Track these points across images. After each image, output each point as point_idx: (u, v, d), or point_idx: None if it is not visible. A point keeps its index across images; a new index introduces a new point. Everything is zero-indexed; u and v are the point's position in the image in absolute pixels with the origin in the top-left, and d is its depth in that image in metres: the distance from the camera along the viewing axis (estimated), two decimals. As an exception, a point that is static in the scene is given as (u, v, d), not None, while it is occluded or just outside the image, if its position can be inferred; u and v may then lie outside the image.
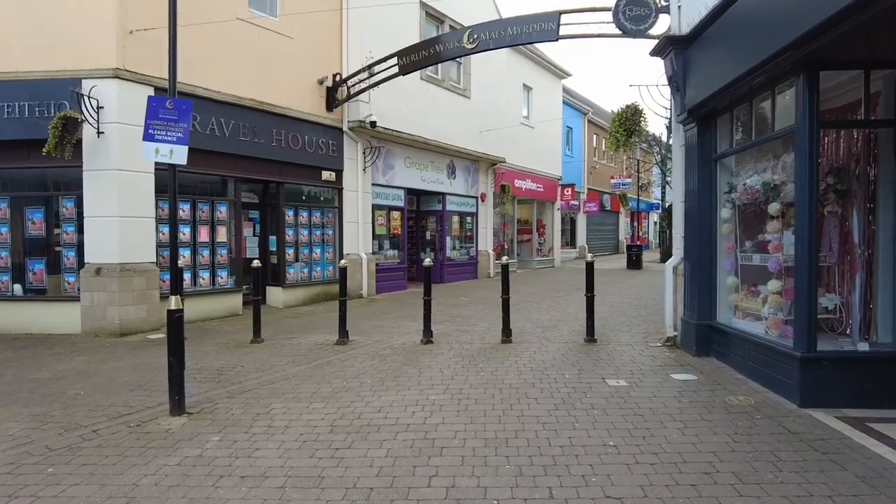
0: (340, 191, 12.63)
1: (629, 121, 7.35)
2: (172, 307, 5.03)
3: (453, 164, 16.25)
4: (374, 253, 13.51)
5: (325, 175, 12.22)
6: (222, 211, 10.45)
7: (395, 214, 14.32)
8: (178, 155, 5.02)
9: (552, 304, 11.65)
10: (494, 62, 17.61)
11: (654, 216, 46.01)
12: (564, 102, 26.18)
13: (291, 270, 11.72)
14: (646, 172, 37.95)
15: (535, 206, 21.74)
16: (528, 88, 20.66)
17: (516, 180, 19.38)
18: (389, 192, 14.02)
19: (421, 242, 16.56)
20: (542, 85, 21.55)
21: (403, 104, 13.80)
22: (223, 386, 5.94)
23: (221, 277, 10.39)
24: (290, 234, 11.69)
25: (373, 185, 13.39)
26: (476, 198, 17.37)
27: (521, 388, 5.54)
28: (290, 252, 11.71)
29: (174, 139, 4.99)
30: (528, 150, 20.32)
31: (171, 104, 4.96)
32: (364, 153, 12.98)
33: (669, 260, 7.32)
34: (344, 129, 12.54)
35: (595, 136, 32.61)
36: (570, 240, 30.12)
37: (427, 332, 7.80)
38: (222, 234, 10.46)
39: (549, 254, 22.84)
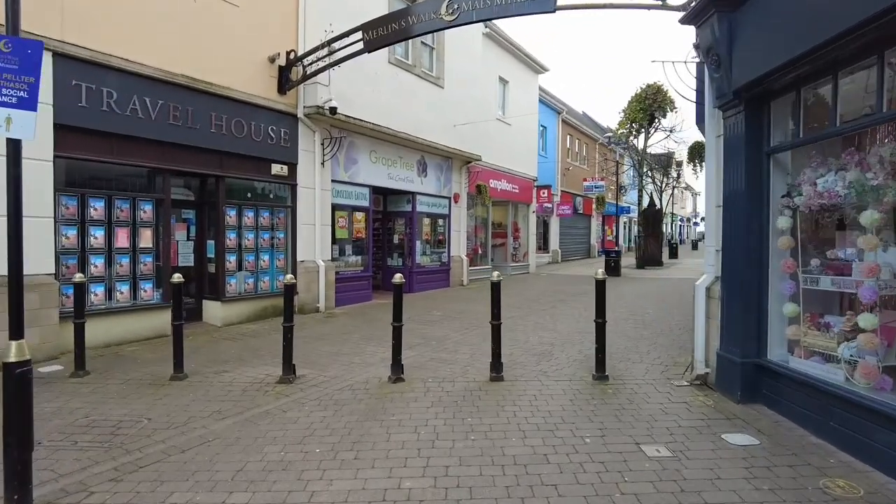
0: (294, 187, 10.86)
1: (652, 102, 5.88)
2: (12, 359, 3.29)
3: (424, 161, 14.64)
4: (333, 259, 11.79)
5: (276, 169, 10.44)
6: (146, 210, 8.58)
7: (359, 215, 12.62)
8: (21, 125, 3.27)
9: (538, 321, 10.17)
10: (470, 50, 16.10)
11: (624, 219, 45.38)
12: (539, 100, 24.88)
13: (233, 281, 9.90)
14: (609, 174, 37.08)
15: (511, 208, 20.33)
16: (504, 82, 19.23)
17: (491, 180, 17.91)
18: (352, 189, 12.32)
19: (388, 247, 14.89)
20: (518, 79, 20.16)
21: (369, 90, 12.12)
22: (112, 457, 4.19)
23: (145, 291, 8.52)
24: (231, 238, 9.88)
25: (333, 181, 11.66)
26: (449, 198, 15.80)
27: (532, 466, 3.98)
28: (231, 259, 9.89)
29: (14, 100, 3.24)
30: (503, 149, 18.89)
31: (7, 45, 3.21)
32: (322, 144, 11.24)
33: (701, 279, 5.88)
34: (299, 116, 10.79)
35: (569, 137, 31.49)
36: (542, 244, 28.86)
37: (396, 366, 6.17)
38: (146, 239, 8.59)
39: (525, 259, 21.47)
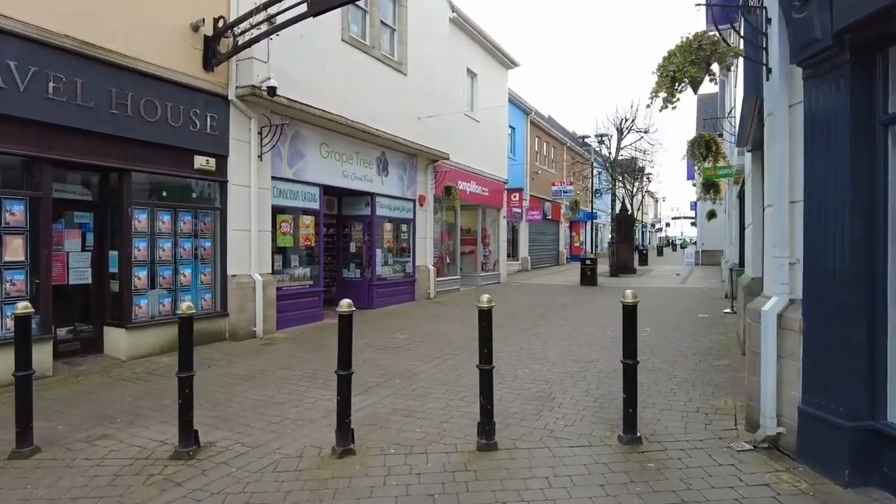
0: (224, 185, 8.88)
1: (709, 53, 4.24)
2: None
3: (385, 158, 12.81)
4: (274, 273, 9.82)
5: (200, 161, 8.45)
6: (15, 212, 6.50)
7: (307, 219, 10.68)
8: None
9: (523, 345, 8.46)
10: (435, 35, 14.39)
11: (589, 226, 44.44)
12: (509, 101, 23.38)
13: (143, 302, 7.84)
14: (582, 178, 36.03)
15: (480, 213, 18.66)
16: (472, 75, 17.59)
17: (460, 182, 16.21)
18: (299, 189, 10.39)
19: (344, 257, 12.97)
20: (487, 73, 18.57)
21: (318, 72, 10.25)
22: None
23: (10, 318, 6.42)
24: (141, 248, 7.83)
25: (274, 178, 9.72)
26: (413, 201, 14.00)
27: None
28: (141, 274, 7.84)
29: None
30: (472, 148, 17.23)
31: None
32: (261, 134, 9.30)
33: (769, 304, 4.23)
34: (230, 98, 8.83)
35: (537, 139, 30.15)
36: (512, 251, 27.33)
37: (343, 433, 4.32)
38: (15, 249, 6.50)
39: (495, 268, 19.82)
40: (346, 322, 4.25)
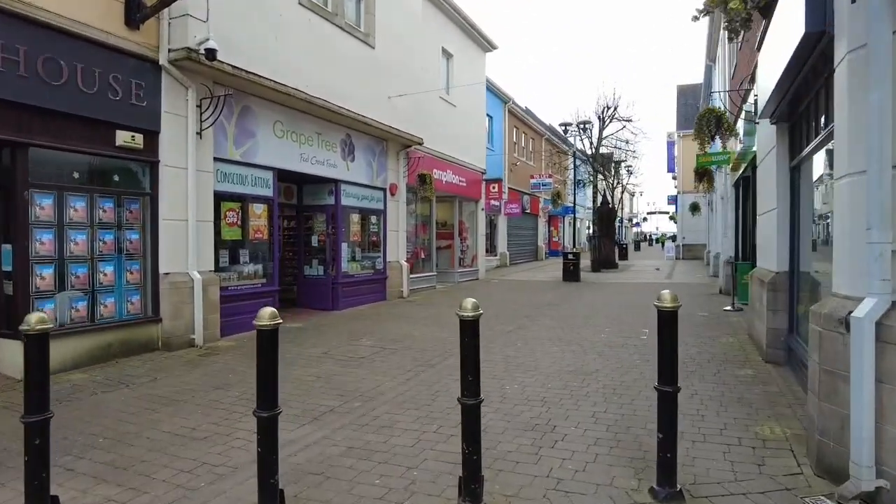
0: (154, 166, 7.46)
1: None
2: None
3: (351, 141, 11.47)
4: (218, 270, 8.45)
5: (124, 137, 7.02)
6: None
7: (259, 208, 9.30)
8: None
9: (508, 352, 7.25)
10: (406, 5, 13.07)
11: (569, 220, 43.62)
12: (486, 88, 22.19)
13: (48, 307, 6.41)
14: (563, 169, 35.08)
15: (457, 205, 17.41)
16: (447, 55, 16.32)
17: (435, 170, 14.94)
18: (248, 173, 9.01)
19: (305, 252, 11.60)
20: (464, 54, 17.31)
21: (272, 38, 8.88)
22: None
23: None
24: (45, 241, 6.39)
25: (217, 160, 8.34)
26: (384, 190, 12.69)
27: None
28: (45, 272, 6.40)
29: None
30: (448, 134, 15.98)
31: None
32: (200, 107, 7.90)
33: (863, 308, 3.05)
34: (162, 63, 7.41)
35: (515, 130, 29.03)
36: (489, 246, 26.18)
37: (267, 497, 3.03)
38: None
39: (473, 263, 18.62)
40: (268, 342, 2.95)
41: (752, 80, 8.10)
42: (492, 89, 24.40)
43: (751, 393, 5.35)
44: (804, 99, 5.38)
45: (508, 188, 27.07)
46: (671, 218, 62.97)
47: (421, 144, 13.40)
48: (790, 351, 6.14)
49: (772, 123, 6.33)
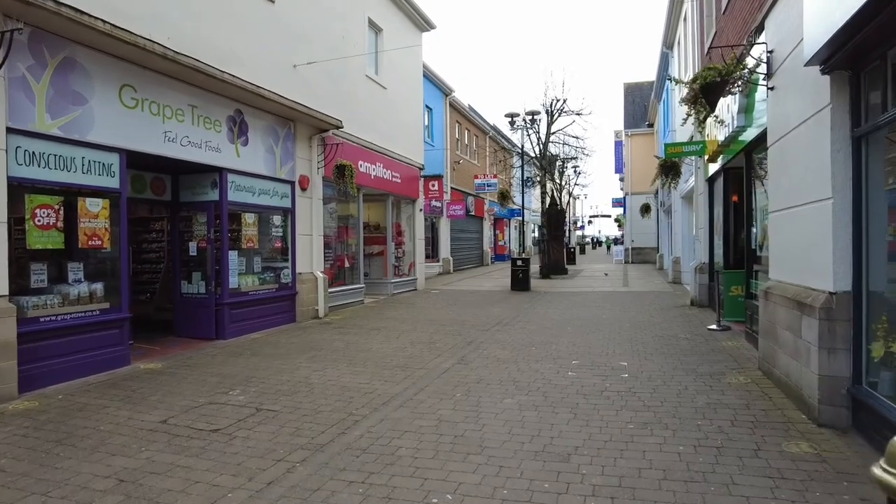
0: None
1: None
2: None
3: (244, 120, 8.92)
4: (24, 293, 5.76)
5: None
6: None
7: (95, 205, 6.61)
8: None
9: (444, 414, 4.95)
10: (321, -42, 10.63)
11: (514, 223, 41.99)
12: (424, 76, 19.96)
13: None
14: (509, 167, 33.30)
15: (391, 205, 14.98)
16: (375, 29, 13.93)
17: (362, 162, 12.52)
18: (77, 154, 6.32)
19: (181, 263, 8.91)
20: (396, 30, 14.96)
21: (106, -38, 6.27)
22: None
23: None
24: None
25: (14, 132, 5.63)
26: (291, 183, 10.16)
27: None
28: None
29: None
30: (378, 121, 13.59)
31: None
32: (-28, 47, 5.21)
33: None
34: None
35: (458, 125, 26.93)
36: (432, 251, 23.91)
37: None
38: None
39: (411, 271, 16.26)
40: None
41: (760, 30, 6.15)
42: (431, 78, 22.20)
43: (834, 497, 3.25)
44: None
45: (451, 188, 24.92)
46: (616, 220, 62.71)
47: (340, 128, 10.94)
48: (860, 409, 4.13)
49: (823, 73, 4.30)
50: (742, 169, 8.33)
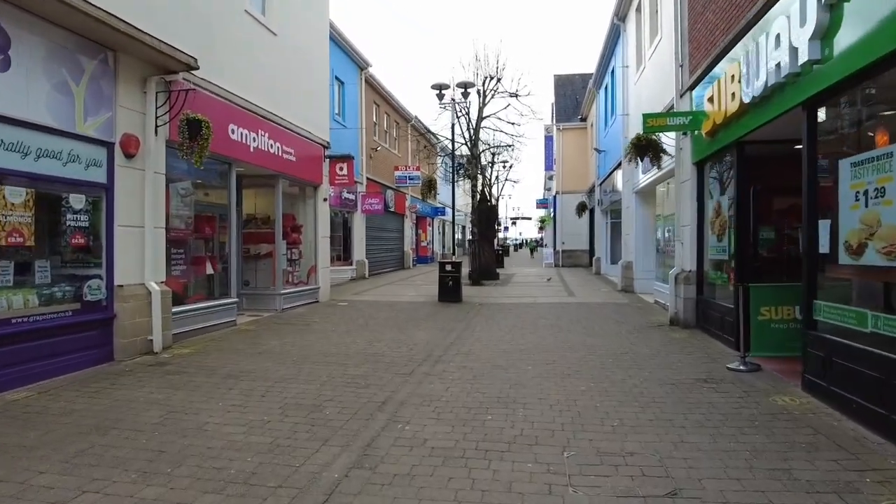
0: None
1: None
2: None
3: (5, 33, 5.25)
4: None
5: None
6: None
7: None
8: None
9: None
10: None
11: (437, 222, 39.16)
12: (334, 42, 16.59)
13: None
14: (436, 156, 30.41)
15: (282, 192, 11.44)
16: (264, -45, 10.43)
17: (234, 126, 9.02)
18: None
19: None
20: (294, -34, 11.51)
21: None
22: None
23: None
24: None
25: None
26: (108, 145, 6.53)
27: None
28: None
29: None
30: (263, 77, 10.11)
31: None
32: None
33: None
34: None
35: (376, 107, 23.59)
36: (343, 252, 20.44)
37: None
38: None
39: (311, 278, 12.78)
40: None
41: None
42: (343, 47, 18.79)
43: None
44: None
45: (368, 179, 21.57)
46: (541, 221, 61.50)
47: (195, 69, 7.40)
48: None
49: None
50: (780, 142, 5.71)
